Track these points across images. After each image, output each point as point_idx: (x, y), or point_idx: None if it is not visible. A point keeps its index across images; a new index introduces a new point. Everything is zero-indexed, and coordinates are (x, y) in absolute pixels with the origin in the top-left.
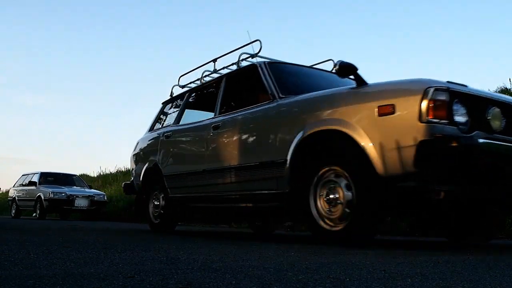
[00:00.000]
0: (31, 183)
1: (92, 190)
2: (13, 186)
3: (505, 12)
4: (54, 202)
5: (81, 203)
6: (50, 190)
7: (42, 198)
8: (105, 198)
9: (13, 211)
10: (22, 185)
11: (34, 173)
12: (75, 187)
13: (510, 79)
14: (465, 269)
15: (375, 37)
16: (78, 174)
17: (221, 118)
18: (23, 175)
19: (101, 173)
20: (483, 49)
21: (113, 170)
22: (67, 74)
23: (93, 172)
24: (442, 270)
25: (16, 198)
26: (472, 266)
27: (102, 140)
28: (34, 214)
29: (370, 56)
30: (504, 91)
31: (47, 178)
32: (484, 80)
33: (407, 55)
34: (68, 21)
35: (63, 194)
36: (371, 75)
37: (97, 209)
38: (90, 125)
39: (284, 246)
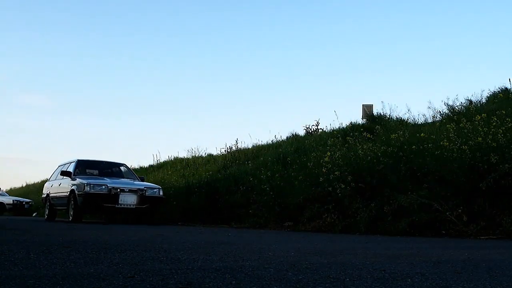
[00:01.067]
0: (65, 174)
1: (144, 182)
2: (48, 180)
3: (506, 13)
4: (91, 198)
5: (127, 200)
6: (86, 181)
7: (76, 193)
8: (161, 193)
9: (47, 212)
10: (56, 179)
11: (70, 162)
12: (122, 179)
13: (510, 79)
14: (465, 269)
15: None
16: None
17: None
18: (59, 166)
19: None
20: (484, 50)
21: None
22: (67, 74)
23: None
24: (442, 270)
25: (50, 194)
26: (472, 266)
27: (103, 140)
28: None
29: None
30: (504, 90)
31: (86, 168)
32: (484, 80)
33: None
34: (67, 21)
35: (103, 187)
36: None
37: (150, 208)
38: (90, 125)
39: (284, 246)
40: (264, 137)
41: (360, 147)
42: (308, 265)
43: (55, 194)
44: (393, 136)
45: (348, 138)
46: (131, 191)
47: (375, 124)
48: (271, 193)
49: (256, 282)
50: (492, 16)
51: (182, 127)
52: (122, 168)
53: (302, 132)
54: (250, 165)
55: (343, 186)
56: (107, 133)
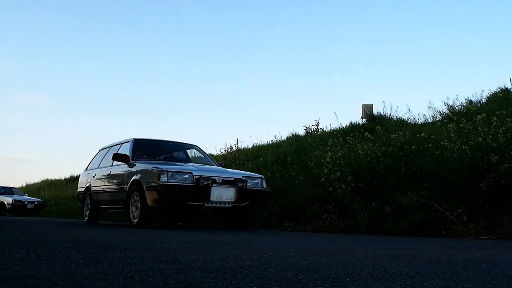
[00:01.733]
0: (118, 159)
1: (238, 170)
2: (85, 169)
3: (506, 13)
4: (169, 192)
5: (222, 195)
6: (161, 167)
7: (144, 185)
8: (264, 184)
9: (87, 212)
10: (100, 166)
11: (122, 142)
12: (197, 164)
13: (510, 79)
14: (465, 269)
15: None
16: (78, 175)
17: None
18: (101, 150)
19: None
20: (484, 49)
21: None
22: (67, 74)
23: None
24: (442, 270)
25: (92, 188)
26: (472, 266)
27: (102, 140)
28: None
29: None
30: (505, 90)
31: (144, 151)
32: (484, 80)
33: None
34: (67, 21)
35: (187, 177)
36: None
37: (250, 206)
38: (90, 125)
39: (284, 246)
40: (264, 137)
41: (360, 147)
42: (308, 265)
43: (102, 187)
44: (393, 136)
45: (348, 138)
46: (226, 182)
47: (375, 124)
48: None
49: (256, 282)
50: (492, 16)
51: (181, 127)
52: (190, 151)
53: (302, 132)
54: (250, 165)
55: (344, 186)
56: (107, 133)
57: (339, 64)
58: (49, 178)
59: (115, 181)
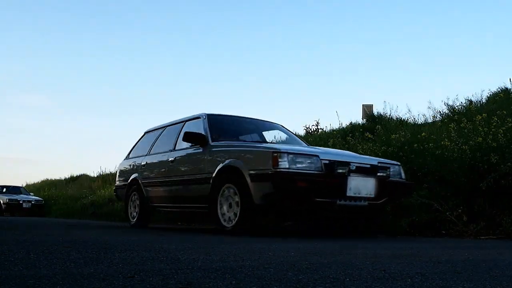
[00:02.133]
0: (191, 139)
1: (366, 156)
2: (126, 157)
3: (506, 13)
4: (292, 184)
5: (360, 188)
6: (277, 148)
7: (247, 174)
8: (403, 175)
9: (134, 212)
10: (151, 152)
11: (187, 120)
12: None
13: (510, 79)
14: (465, 269)
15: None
16: (78, 175)
17: None
18: (147, 132)
19: (101, 173)
20: (484, 49)
21: (112, 169)
22: (67, 74)
23: (93, 172)
24: (442, 270)
25: (142, 181)
26: (472, 266)
27: (102, 140)
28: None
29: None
30: (505, 90)
31: (221, 129)
32: (484, 80)
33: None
34: (67, 21)
35: (313, 161)
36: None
37: (386, 204)
38: (90, 124)
39: (284, 246)
40: None
41: (360, 147)
42: (308, 265)
43: (160, 179)
44: (393, 136)
45: (348, 138)
46: (361, 170)
47: (375, 124)
48: None
49: (256, 282)
50: (492, 16)
51: None
52: (268, 133)
53: (302, 132)
54: None
55: None
56: (107, 133)
57: (339, 64)
58: (49, 178)
59: (187, 169)
